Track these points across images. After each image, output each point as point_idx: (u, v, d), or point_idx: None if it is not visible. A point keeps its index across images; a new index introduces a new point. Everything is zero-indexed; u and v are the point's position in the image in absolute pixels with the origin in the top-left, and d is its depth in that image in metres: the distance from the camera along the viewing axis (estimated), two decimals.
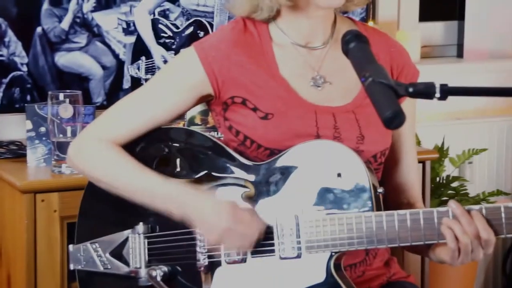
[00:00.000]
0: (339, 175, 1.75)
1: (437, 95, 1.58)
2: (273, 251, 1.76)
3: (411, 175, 1.93)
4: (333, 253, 1.74)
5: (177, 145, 1.85)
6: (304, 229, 1.75)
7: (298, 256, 1.75)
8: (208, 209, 1.74)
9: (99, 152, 1.83)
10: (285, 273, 1.76)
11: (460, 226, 1.68)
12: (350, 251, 1.77)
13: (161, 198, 1.78)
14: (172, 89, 1.84)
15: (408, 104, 1.84)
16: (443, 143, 3.18)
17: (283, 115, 1.80)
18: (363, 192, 1.74)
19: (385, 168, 1.90)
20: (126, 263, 1.85)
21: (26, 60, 2.67)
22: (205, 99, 1.86)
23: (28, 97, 2.68)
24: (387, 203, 1.87)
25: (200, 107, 2.53)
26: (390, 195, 1.90)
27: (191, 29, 2.80)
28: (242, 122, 1.82)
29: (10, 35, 2.66)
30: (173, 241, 1.82)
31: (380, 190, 1.76)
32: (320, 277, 1.75)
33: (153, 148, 1.86)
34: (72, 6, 2.69)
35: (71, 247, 1.90)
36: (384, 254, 1.91)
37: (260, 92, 1.81)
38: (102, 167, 1.82)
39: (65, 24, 2.70)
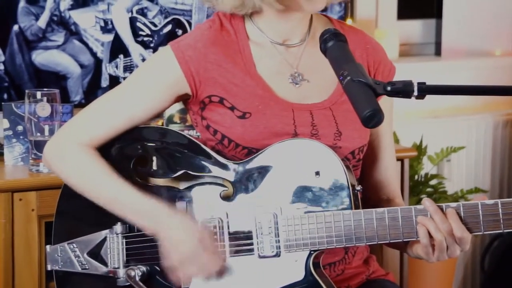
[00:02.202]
0: (317, 173, 1.75)
1: (415, 93, 1.58)
2: (252, 250, 1.76)
3: (389, 171, 1.93)
4: (312, 252, 1.74)
5: (154, 144, 1.85)
6: (282, 227, 1.75)
7: (277, 255, 1.75)
8: (178, 230, 1.74)
9: (78, 161, 1.82)
10: (264, 272, 1.76)
11: (434, 223, 1.70)
12: (329, 250, 1.78)
13: (135, 213, 1.78)
14: (149, 89, 1.83)
15: (384, 101, 1.84)
16: (421, 141, 3.19)
17: (260, 113, 1.80)
18: (341, 190, 1.74)
19: (364, 165, 1.90)
20: (104, 263, 1.84)
21: (2, 58, 2.65)
22: (182, 98, 1.86)
23: (5, 96, 2.66)
24: (366, 200, 1.87)
25: (178, 106, 2.52)
26: (369, 192, 1.91)
27: (169, 27, 2.79)
28: (220, 121, 1.82)
29: None
30: (151, 241, 1.81)
31: (358, 188, 1.76)
32: (299, 275, 1.75)
33: (130, 148, 1.85)
34: (49, 4, 2.68)
35: (48, 247, 1.89)
36: (363, 252, 1.92)
37: (237, 91, 1.81)
38: (80, 177, 1.82)
39: (42, 22, 2.68)
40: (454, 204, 1.72)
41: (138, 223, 1.78)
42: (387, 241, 1.73)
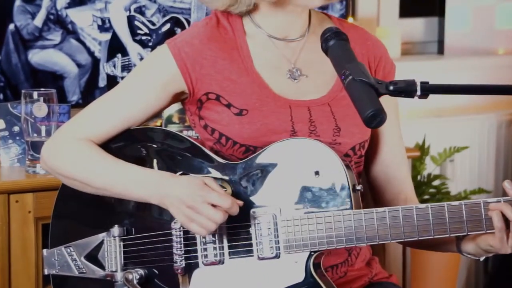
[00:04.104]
0: (316, 173, 1.74)
1: (418, 93, 1.58)
2: (251, 251, 1.75)
3: (402, 169, 1.90)
4: (312, 253, 1.73)
5: (152, 145, 1.84)
6: (282, 228, 1.74)
7: (277, 256, 1.74)
8: (179, 190, 1.71)
9: (73, 149, 1.81)
10: (264, 274, 1.75)
11: (510, 207, 1.66)
12: (331, 252, 1.77)
13: (139, 185, 1.76)
14: (146, 87, 1.83)
15: (388, 101, 1.81)
16: (424, 141, 3.18)
17: (257, 110, 1.79)
18: (341, 190, 1.73)
19: (375, 163, 1.89)
20: (102, 267, 1.83)
21: None
22: (180, 97, 1.85)
23: (1, 96, 2.66)
24: (381, 199, 1.87)
25: (177, 106, 2.51)
26: (383, 191, 1.89)
27: (167, 26, 2.79)
28: (217, 120, 1.81)
29: None
30: (149, 244, 1.80)
31: (359, 187, 1.75)
32: (299, 277, 1.73)
33: (128, 149, 1.84)
34: (46, 3, 2.68)
35: (45, 251, 1.88)
36: (366, 254, 1.91)
37: (234, 88, 1.80)
38: (77, 162, 1.81)
39: (39, 21, 2.68)
40: (457, 203, 1.69)
41: (142, 194, 1.75)
42: (389, 241, 1.71)
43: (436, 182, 3.21)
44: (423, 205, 1.70)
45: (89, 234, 1.84)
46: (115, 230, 1.81)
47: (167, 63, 1.81)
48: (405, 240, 1.71)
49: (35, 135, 2.38)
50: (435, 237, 1.70)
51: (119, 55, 2.76)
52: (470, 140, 3.36)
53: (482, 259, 1.77)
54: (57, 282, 1.87)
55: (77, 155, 1.81)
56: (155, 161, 1.82)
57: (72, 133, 1.83)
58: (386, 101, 1.60)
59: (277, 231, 1.73)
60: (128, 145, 1.84)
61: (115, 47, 2.75)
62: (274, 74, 1.82)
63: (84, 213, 1.85)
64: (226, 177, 1.78)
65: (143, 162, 1.82)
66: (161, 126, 2.58)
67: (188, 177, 1.74)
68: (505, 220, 1.68)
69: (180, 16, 2.79)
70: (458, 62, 3.42)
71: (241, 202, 1.71)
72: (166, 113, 2.57)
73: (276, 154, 1.75)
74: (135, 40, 2.77)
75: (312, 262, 1.73)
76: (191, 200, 1.69)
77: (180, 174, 1.79)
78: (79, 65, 2.74)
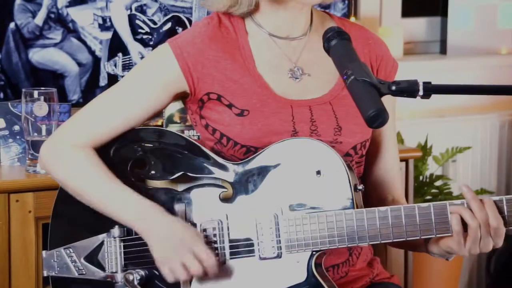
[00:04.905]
0: (318, 172, 1.73)
1: (421, 93, 1.57)
2: (252, 251, 1.74)
3: (393, 172, 1.91)
4: (314, 252, 1.72)
5: (152, 145, 1.83)
6: (283, 228, 1.73)
7: (278, 256, 1.73)
8: (161, 227, 1.73)
9: (73, 163, 1.80)
10: (265, 274, 1.74)
11: (469, 211, 1.67)
12: (332, 251, 1.76)
13: (128, 215, 1.76)
14: (147, 87, 1.81)
15: (387, 100, 1.80)
16: (426, 141, 3.17)
17: (258, 111, 1.78)
18: (343, 190, 1.72)
19: (368, 164, 1.89)
20: (102, 268, 1.82)
21: None
22: (181, 96, 1.84)
23: (1, 95, 2.65)
24: (369, 200, 1.86)
25: (178, 105, 2.51)
26: (372, 192, 1.89)
27: (169, 25, 2.78)
28: (218, 120, 1.80)
29: None
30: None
31: (360, 187, 1.74)
32: (301, 277, 1.73)
33: (128, 149, 1.83)
34: (46, 1, 2.67)
35: (44, 253, 1.87)
36: (367, 254, 1.90)
37: (235, 88, 1.79)
38: (75, 179, 1.80)
39: (39, 19, 2.67)
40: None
41: (123, 218, 1.76)
42: (391, 240, 1.70)
43: (438, 183, 3.20)
44: (425, 204, 1.69)
45: (89, 235, 1.83)
46: (116, 231, 1.80)
47: (169, 63, 1.79)
48: (407, 239, 1.70)
49: (35, 134, 2.37)
50: (437, 236, 1.70)
51: (120, 54, 2.75)
52: (473, 140, 3.35)
53: (450, 259, 1.77)
54: (56, 283, 1.86)
55: (73, 169, 1.80)
56: (155, 161, 1.81)
57: (70, 138, 1.81)
58: (384, 102, 1.59)
59: (279, 230, 1.73)
60: (128, 145, 1.83)
61: (116, 46, 2.74)
62: (275, 74, 1.81)
63: (84, 213, 1.84)
64: (227, 177, 1.77)
65: (143, 162, 1.81)
66: (162, 125, 2.57)
67: (170, 225, 1.73)
68: (464, 223, 1.68)
69: (181, 15, 2.78)
70: (461, 62, 3.41)
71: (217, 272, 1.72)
72: (167, 112, 2.56)
73: (277, 154, 1.75)
74: (136, 39, 2.76)
75: (314, 262, 1.72)
76: (162, 251, 1.71)
77: (181, 175, 1.79)
78: (79, 64, 2.73)
